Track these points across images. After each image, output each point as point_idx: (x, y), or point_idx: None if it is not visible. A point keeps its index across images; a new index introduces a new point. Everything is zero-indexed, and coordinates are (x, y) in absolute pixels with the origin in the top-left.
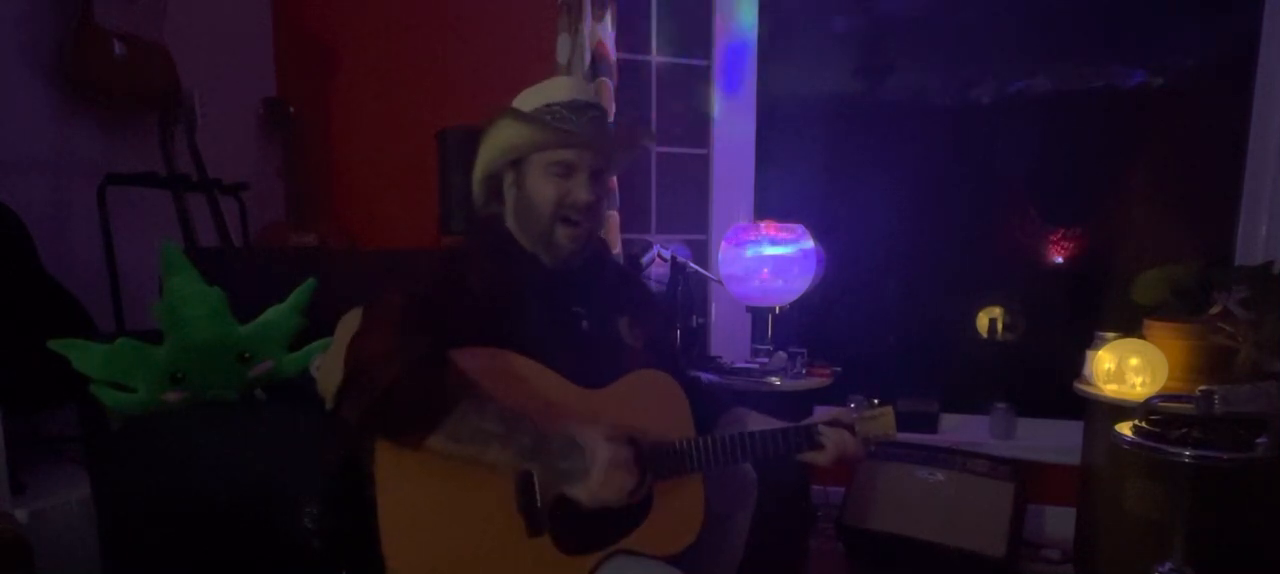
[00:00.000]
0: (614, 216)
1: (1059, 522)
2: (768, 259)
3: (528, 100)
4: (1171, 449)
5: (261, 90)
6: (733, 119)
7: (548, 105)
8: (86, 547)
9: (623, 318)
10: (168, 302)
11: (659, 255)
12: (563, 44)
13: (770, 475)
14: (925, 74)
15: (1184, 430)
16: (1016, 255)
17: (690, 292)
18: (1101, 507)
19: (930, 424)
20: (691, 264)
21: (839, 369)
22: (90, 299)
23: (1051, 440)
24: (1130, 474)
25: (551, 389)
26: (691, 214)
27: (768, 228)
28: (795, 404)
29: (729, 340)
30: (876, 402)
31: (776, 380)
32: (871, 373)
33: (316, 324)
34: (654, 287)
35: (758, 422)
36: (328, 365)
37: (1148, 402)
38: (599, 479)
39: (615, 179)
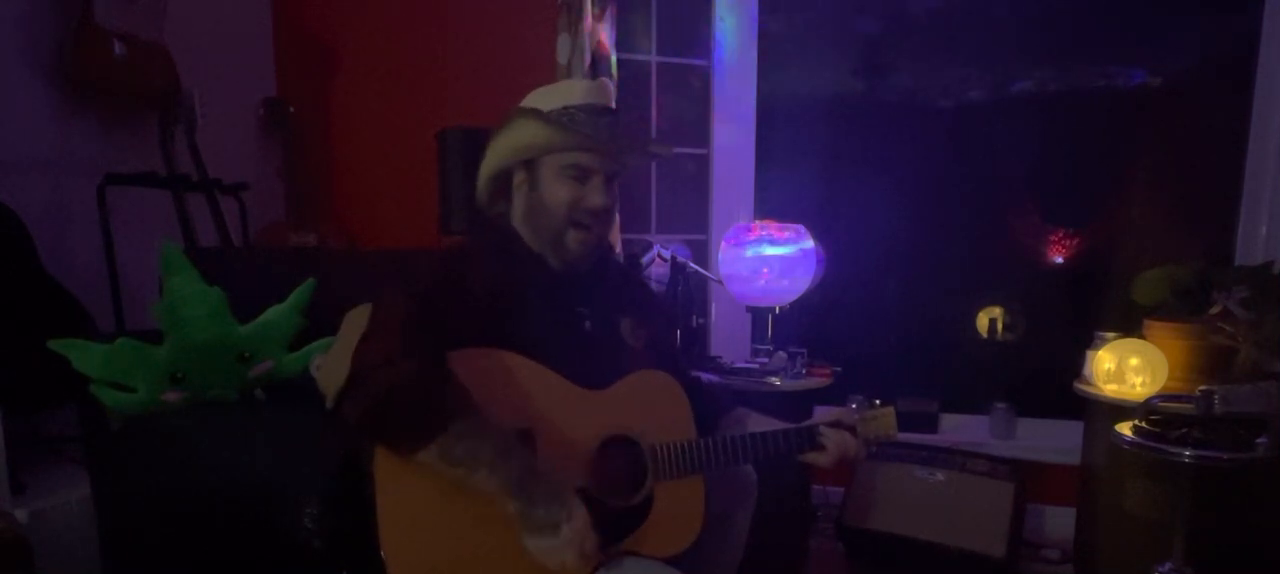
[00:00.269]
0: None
1: (1059, 522)
2: (768, 259)
3: (545, 100)
4: (1171, 449)
5: (261, 90)
6: (732, 119)
7: (566, 108)
8: (86, 547)
9: (625, 319)
10: (168, 301)
11: (659, 255)
12: (563, 44)
13: (770, 476)
14: (925, 74)
15: (1184, 430)
16: (1016, 255)
17: (690, 292)
18: (1101, 507)
19: (930, 424)
20: (691, 264)
21: (839, 369)
22: (90, 299)
23: (1051, 440)
24: (1130, 474)
25: (553, 390)
26: (691, 214)
27: (768, 228)
28: (795, 404)
29: (729, 340)
30: (877, 402)
31: (777, 380)
32: (871, 373)
33: (316, 324)
34: (654, 287)
35: (759, 423)
36: (331, 363)
37: (1148, 402)
38: (562, 543)
39: None
